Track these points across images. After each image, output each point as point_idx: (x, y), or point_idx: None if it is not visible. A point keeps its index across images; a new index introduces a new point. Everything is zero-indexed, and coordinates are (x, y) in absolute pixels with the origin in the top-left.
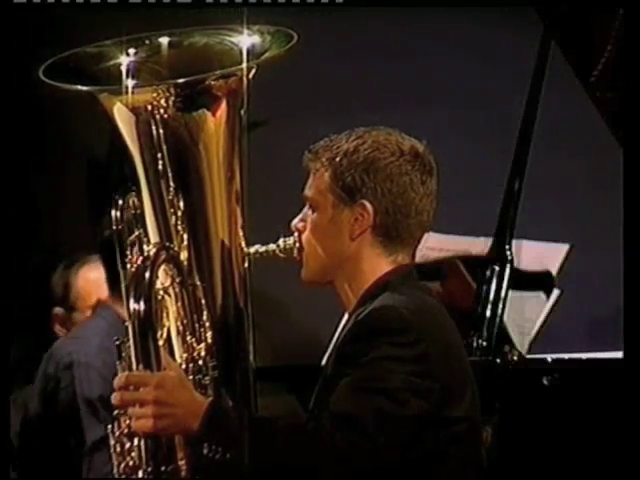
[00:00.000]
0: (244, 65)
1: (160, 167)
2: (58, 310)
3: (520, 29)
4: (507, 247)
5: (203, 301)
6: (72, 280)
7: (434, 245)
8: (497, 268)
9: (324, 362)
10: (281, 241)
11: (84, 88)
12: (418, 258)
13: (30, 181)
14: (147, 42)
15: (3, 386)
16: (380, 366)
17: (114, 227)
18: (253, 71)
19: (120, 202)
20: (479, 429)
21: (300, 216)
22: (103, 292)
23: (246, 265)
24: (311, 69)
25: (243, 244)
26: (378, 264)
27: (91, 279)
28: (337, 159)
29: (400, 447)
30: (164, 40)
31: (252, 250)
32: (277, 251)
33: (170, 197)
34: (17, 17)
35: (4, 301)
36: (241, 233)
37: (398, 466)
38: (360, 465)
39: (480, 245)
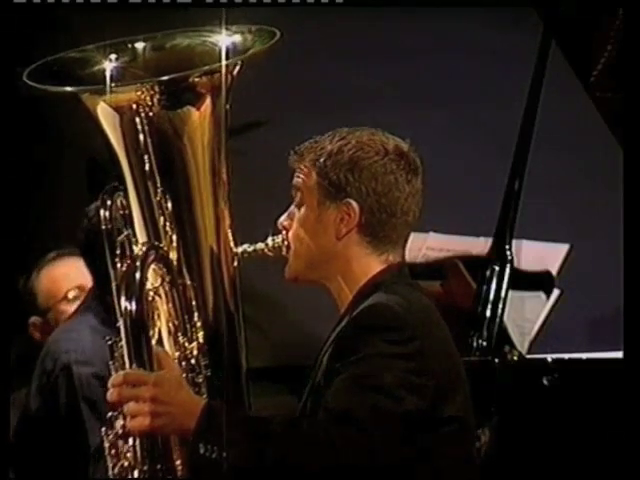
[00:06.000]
0: (223, 62)
1: (146, 166)
2: (35, 319)
3: (520, 29)
4: (507, 247)
5: (194, 301)
6: (35, 285)
7: (434, 245)
8: (497, 268)
9: (316, 360)
10: (270, 240)
11: (67, 89)
12: (418, 258)
13: (30, 181)
14: (129, 46)
15: (3, 386)
16: (375, 363)
17: (103, 227)
18: (237, 68)
19: (108, 202)
20: (471, 428)
21: (286, 213)
22: (72, 282)
23: (235, 264)
24: (311, 70)
25: (232, 244)
26: (368, 264)
27: (57, 275)
28: (321, 160)
29: (396, 444)
30: (146, 43)
31: (240, 250)
32: (266, 250)
33: (158, 197)
34: (17, 17)
35: (4, 301)
36: (229, 232)
37: (391, 465)
38: (357, 462)
39: (480, 245)
